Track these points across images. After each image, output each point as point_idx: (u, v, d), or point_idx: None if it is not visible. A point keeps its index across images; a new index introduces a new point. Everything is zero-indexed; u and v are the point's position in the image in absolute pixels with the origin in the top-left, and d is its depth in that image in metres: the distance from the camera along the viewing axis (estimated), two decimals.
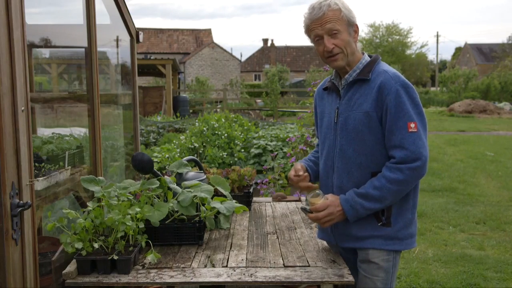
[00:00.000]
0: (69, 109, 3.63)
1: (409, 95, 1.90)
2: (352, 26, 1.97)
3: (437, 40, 55.47)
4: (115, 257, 1.83)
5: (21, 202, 1.61)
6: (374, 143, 1.94)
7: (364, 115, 1.93)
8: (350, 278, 1.81)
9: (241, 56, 74.28)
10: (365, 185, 1.92)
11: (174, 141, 8.01)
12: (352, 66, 2.01)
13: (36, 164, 2.30)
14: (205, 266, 1.93)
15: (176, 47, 45.32)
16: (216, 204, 2.18)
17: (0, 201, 1.54)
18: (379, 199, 1.88)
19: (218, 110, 19.32)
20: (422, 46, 53.73)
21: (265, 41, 53.20)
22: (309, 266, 1.92)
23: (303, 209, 2.03)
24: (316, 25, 1.94)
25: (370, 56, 2.05)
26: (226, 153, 7.15)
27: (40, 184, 2.17)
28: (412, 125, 1.86)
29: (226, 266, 1.92)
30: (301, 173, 2.08)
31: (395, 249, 1.99)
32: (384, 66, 2.00)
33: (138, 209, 1.98)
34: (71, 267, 1.85)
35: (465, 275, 4.12)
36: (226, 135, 7.51)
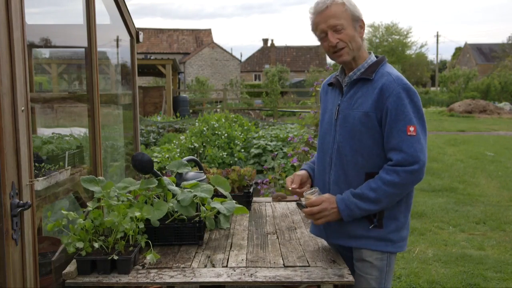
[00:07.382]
0: (69, 109, 3.63)
1: (411, 98, 1.89)
2: (357, 22, 1.97)
3: (437, 40, 55.50)
4: (115, 257, 1.83)
5: (21, 202, 1.61)
6: (371, 144, 1.94)
7: (363, 115, 1.93)
8: (350, 278, 1.81)
9: (241, 56, 74.30)
10: (362, 186, 1.93)
11: (174, 141, 8.01)
12: (358, 63, 2.01)
13: (36, 164, 2.30)
14: (205, 266, 1.93)
15: (176, 47, 45.31)
16: (216, 204, 2.18)
17: (0, 201, 1.54)
18: (375, 200, 1.89)
19: (218, 110, 19.33)
20: (422, 46, 53.93)
21: (265, 41, 53.20)
22: (309, 266, 1.92)
23: (299, 204, 2.08)
24: (320, 19, 1.95)
25: (376, 57, 2.06)
26: (226, 153, 7.15)
27: (40, 184, 2.17)
28: (412, 128, 1.86)
29: (226, 266, 1.92)
30: (293, 186, 2.12)
31: (387, 251, 1.99)
32: (389, 68, 2.00)
33: (137, 213, 1.97)
34: (71, 267, 1.85)
35: (465, 275, 4.12)
36: (226, 135, 7.51)
